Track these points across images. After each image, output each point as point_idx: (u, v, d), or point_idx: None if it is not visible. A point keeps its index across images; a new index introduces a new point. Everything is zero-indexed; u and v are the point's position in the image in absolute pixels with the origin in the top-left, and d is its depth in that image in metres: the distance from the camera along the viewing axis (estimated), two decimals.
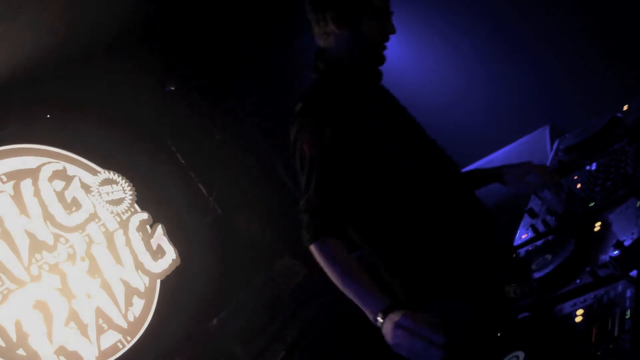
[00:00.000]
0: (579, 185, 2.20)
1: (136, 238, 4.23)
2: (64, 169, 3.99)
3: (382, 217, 1.94)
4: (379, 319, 1.67)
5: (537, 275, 1.70)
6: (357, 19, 1.91)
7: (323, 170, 1.84)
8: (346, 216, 1.88)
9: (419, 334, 1.54)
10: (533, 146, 4.06)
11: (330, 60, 1.98)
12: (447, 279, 1.93)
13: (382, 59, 2.01)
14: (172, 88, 5.24)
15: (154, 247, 4.32)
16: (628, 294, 1.32)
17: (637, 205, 1.68)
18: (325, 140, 1.84)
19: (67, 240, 3.81)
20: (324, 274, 1.95)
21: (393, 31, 1.96)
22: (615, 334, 1.23)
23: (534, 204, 2.34)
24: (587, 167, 2.29)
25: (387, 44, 2.00)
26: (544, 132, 4.05)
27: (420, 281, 1.96)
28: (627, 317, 1.24)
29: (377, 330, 1.68)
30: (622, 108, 2.60)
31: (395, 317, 1.61)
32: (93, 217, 4.03)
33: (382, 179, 1.90)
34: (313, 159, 1.85)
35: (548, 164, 2.76)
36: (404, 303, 1.82)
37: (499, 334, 1.58)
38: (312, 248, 1.84)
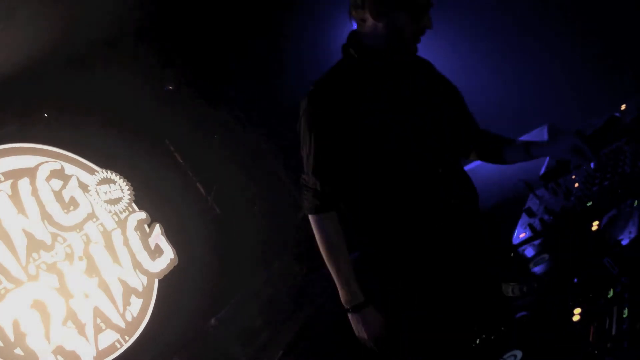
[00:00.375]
0: (576, 185, 2.21)
1: (134, 237, 4.23)
2: (62, 168, 3.98)
3: (378, 214, 2.00)
4: (348, 307, 2.01)
5: (535, 274, 1.70)
6: (394, 11, 1.90)
7: (320, 155, 1.96)
8: (342, 197, 2.02)
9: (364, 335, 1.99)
10: None
11: (362, 46, 1.99)
12: (439, 281, 1.98)
13: (413, 52, 2.01)
14: (171, 87, 5.24)
15: (152, 247, 4.32)
16: (626, 293, 1.32)
17: (635, 204, 1.68)
18: (326, 129, 1.93)
19: (64, 240, 3.80)
20: (323, 274, 2.04)
21: (429, 26, 1.96)
22: (613, 333, 1.23)
23: (532, 203, 2.34)
24: (585, 167, 2.30)
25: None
26: (542, 132, 4.05)
27: (406, 286, 2.02)
28: (624, 316, 1.24)
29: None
30: (620, 107, 2.61)
31: (356, 314, 1.99)
32: (91, 216, 4.03)
33: (378, 178, 1.95)
34: (312, 141, 1.95)
35: (545, 164, 2.77)
36: (367, 301, 2.01)
37: (493, 336, 1.58)
38: (310, 218, 2.05)
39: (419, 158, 1.97)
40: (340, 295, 2.03)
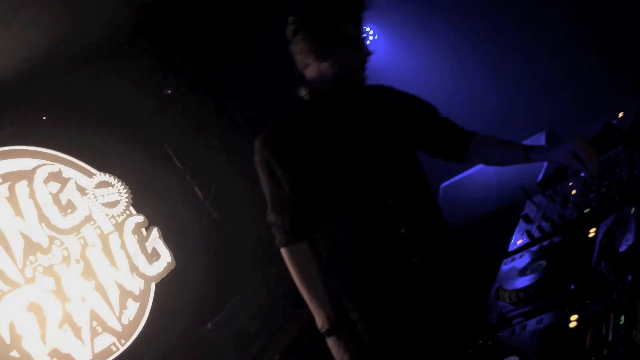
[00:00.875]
0: (574, 192, 2.22)
1: (131, 241, 4.22)
2: (60, 171, 3.98)
3: (334, 246, 2.13)
4: (323, 331, 2.07)
5: (531, 281, 1.70)
6: (331, 49, 1.99)
7: (275, 195, 2.11)
8: (306, 227, 2.13)
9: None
10: None
11: (310, 88, 2.08)
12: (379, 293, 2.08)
13: (362, 82, 2.08)
14: (169, 91, 5.24)
15: (149, 250, 4.31)
16: (622, 299, 1.32)
17: (632, 211, 1.69)
18: (277, 170, 2.06)
19: (62, 243, 3.80)
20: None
21: (368, 54, 2.04)
22: (610, 339, 1.23)
23: (530, 209, 2.35)
24: (582, 174, 2.30)
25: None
26: (540, 138, 4.07)
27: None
28: (621, 322, 1.25)
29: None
30: (618, 115, 2.62)
31: (331, 337, 2.05)
32: (88, 219, 4.02)
33: (330, 212, 2.07)
34: (267, 183, 2.11)
35: (543, 170, 2.78)
36: (342, 324, 2.09)
37: (491, 341, 1.58)
38: (282, 252, 2.16)
39: (365, 192, 2.04)
40: (316, 322, 2.10)
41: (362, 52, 2.03)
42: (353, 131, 2.08)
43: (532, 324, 1.52)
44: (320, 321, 2.09)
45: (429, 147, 2.24)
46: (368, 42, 2.08)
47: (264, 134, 2.10)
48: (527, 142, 4.32)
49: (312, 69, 2.05)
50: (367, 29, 5.41)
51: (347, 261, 2.10)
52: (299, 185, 2.05)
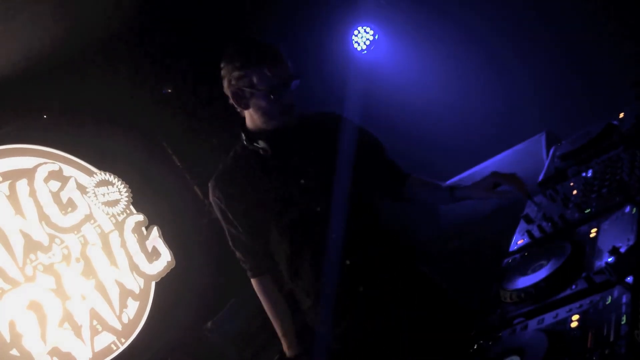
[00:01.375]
0: (574, 192, 2.22)
1: (131, 240, 4.22)
2: (60, 170, 3.98)
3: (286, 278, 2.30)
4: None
5: (532, 281, 1.71)
6: (251, 98, 2.07)
7: (230, 235, 2.29)
8: (264, 262, 2.31)
9: None
10: (529, 153, 4.07)
11: (248, 131, 2.20)
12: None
13: (291, 127, 2.14)
14: (169, 90, 5.24)
15: (149, 249, 4.31)
16: (624, 299, 1.33)
17: (633, 212, 1.69)
18: (226, 214, 2.22)
19: (62, 241, 3.80)
20: None
21: (288, 101, 2.09)
22: (611, 339, 1.24)
23: (530, 210, 2.35)
24: (583, 174, 2.31)
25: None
26: (540, 139, 4.07)
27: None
28: (622, 322, 1.25)
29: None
30: (618, 115, 2.62)
31: None
32: (88, 218, 4.02)
33: (275, 249, 2.22)
34: (222, 223, 2.29)
35: (544, 170, 2.78)
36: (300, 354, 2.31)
37: (492, 341, 1.58)
38: (251, 282, 2.38)
39: (310, 225, 2.12)
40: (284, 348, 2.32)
41: (280, 102, 2.07)
42: (291, 171, 2.16)
43: (533, 324, 1.53)
44: (285, 347, 2.32)
45: (368, 185, 2.28)
46: (290, 88, 2.11)
47: (213, 179, 2.26)
48: (526, 143, 4.32)
49: (245, 114, 2.17)
50: (367, 30, 5.42)
51: (299, 294, 2.27)
52: (248, 226, 2.20)
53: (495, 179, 2.12)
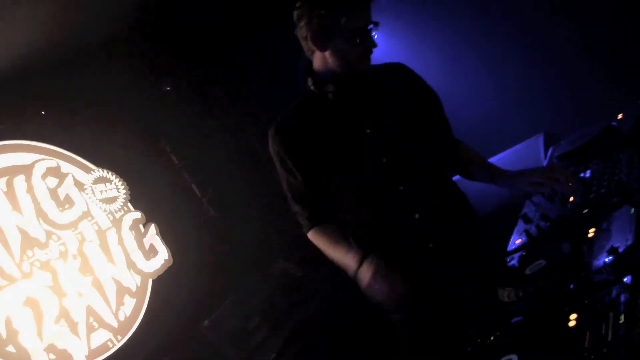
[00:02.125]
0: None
1: (129, 237, 4.21)
2: (58, 166, 3.97)
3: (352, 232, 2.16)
4: (355, 270, 2.03)
5: (531, 280, 1.71)
6: (335, 39, 1.99)
7: (292, 186, 2.16)
8: (325, 213, 2.17)
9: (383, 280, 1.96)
10: (527, 153, 4.09)
11: (316, 76, 2.10)
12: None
13: (365, 71, 2.08)
14: (168, 88, 5.24)
15: (147, 247, 4.30)
16: (622, 299, 1.33)
17: (631, 212, 1.70)
18: (291, 161, 2.11)
19: (59, 238, 3.79)
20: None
21: (374, 46, 2.05)
22: (609, 338, 1.24)
23: (528, 209, 2.35)
24: (582, 174, 2.31)
25: (374, 55, 2.09)
26: (538, 140, 4.08)
27: None
28: (620, 322, 1.25)
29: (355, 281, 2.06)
30: (617, 117, 2.63)
31: (364, 268, 2.00)
32: (86, 215, 4.01)
33: (345, 201, 2.10)
34: (283, 174, 2.17)
35: None
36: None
37: (490, 339, 1.58)
38: (309, 237, 2.22)
39: (377, 179, 2.06)
40: (348, 271, 2.08)
41: (364, 45, 2.02)
42: (359, 119, 2.08)
43: (531, 322, 1.53)
44: (351, 264, 2.06)
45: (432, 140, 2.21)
46: (374, 35, 2.07)
47: (274, 126, 2.15)
48: (525, 143, 4.33)
49: (316, 57, 2.07)
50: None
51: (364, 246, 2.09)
52: (310, 174, 2.09)
53: (540, 179, 2.06)
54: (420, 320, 2.06)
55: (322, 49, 2.02)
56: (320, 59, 2.06)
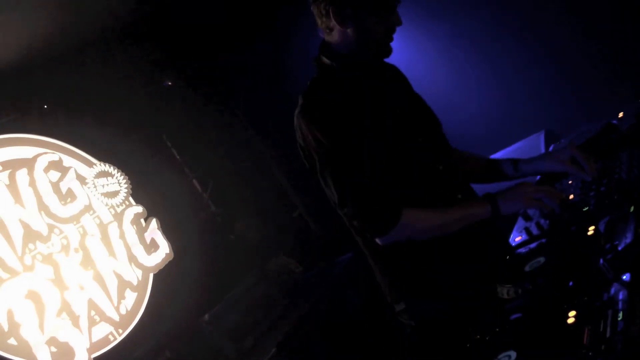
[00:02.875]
0: (573, 190, 2.22)
1: (130, 231, 4.23)
2: (60, 160, 3.98)
3: None
4: (495, 204, 1.87)
5: (530, 277, 1.72)
6: (358, 14, 1.87)
7: (348, 170, 1.83)
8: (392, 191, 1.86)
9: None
10: (528, 151, 4.08)
11: (335, 55, 1.95)
12: (432, 278, 1.96)
13: (388, 52, 1.97)
14: (170, 83, 5.24)
15: (148, 241, 4.32)
16: (620, 296, 1.34)
17: (631, 210, 1.70)
18: (336, 135, 1.82)
19: (61, 231, 3.81)
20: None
21: (399, 23, 1.92)
22: (608, 335, 1.25)
23: None
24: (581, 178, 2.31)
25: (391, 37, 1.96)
26: (539, 137, 4.08)
27: (406, 280, 1.99)
28: (619, 319, 1.26)
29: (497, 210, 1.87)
30: (618, 115, 2.63)
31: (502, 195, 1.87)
32: (88, 208, 4.03)
33: (387, 178, 1.87)
34: (331, 158, 1.83)
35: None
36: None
37: (488, 336, 1.59)
38: (394, 236, 1.85)
39: (418, 156, 1.95)
40: (484, 215, 1.90)
41: (390, 21, 1.91)
42: (390, 97, 1.98)
43: (530, 319, 1.54)
44: (482, 208, 1.89)
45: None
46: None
47: (311, 102, 1.89)
48: (526, 141, 4.34)
49: (335, 33, 1.92)
50: None
51: None
52: (367, 147, 1.83)
53: (574, 152, 2.01)
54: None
55: (345, 25, 1.88)
56: (341, 36, 1.91)
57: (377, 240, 1.87)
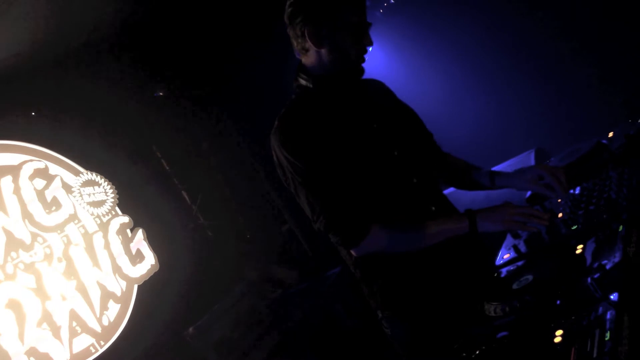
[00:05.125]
0: (562, 208, 2.21)
1: (115, 241, 4.18)
2: (46, 168, 3.94)
3: None
4: (472, 222, 1.88)
5: (517, 295, 1.69)
6: (333, 34, 1.93)
7: (319, 187, 1.90)
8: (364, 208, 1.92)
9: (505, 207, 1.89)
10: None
11: (310, 75, 2.02)
12: (408, 294, 1.98)
13: (361, 72, 2.04)
14: (161, 93, 5.22)
15: (133, 252, 4.27)
16: (608, 316, 1.32)
17: (620, 229, 1.69)
18: (307, 157, 1.90)
19: (44, 240, 3.75)
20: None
21: (370, 43, 1.99)
22: (595, 355, 1.23)
23: None
24: (571, 191, 2.31)
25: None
26: (530, 156, 4.09)
27: (382, 293, 2.01)
28: (606, 338, 1.24)
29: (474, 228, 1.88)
30: (608, 134, 2.63)
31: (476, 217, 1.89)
32: (73, 217, 3.98)
33: (360, 193, 1.94)
34: (303, 177, 1.91)
35: None
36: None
37: (477, 352, 1.57)
38: (366, 247, 1.92)
39: (391, 170, 1.99)
40: (461, 230, 1.91)
41: (362, 41, 1.97)
42: (366, 113, 2.03)
43: (516, 337, 1.52)
44: (459, 223, 1.91)
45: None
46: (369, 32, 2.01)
47: (282, 131, 1.94)
48: (517, 159, 4.34)
49: (311, 54, 1.99)
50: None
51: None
52: (337, 169, 1.90)
53: (542, 171, 2.05)
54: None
55: (320, 46, 1.95)
56: (316, 57, 1.99)
57: (352, 252, 1.95)
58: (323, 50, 1.96)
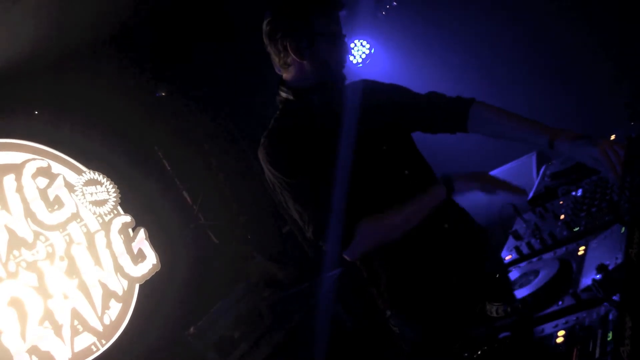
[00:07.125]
0: (564, 210, 2.22)
1: (117, 240, 4.19)
2: (49, 167, 3.95)
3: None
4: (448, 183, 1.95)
5: (519, 296, 1.70)
6: (312, 45, 1.99)
7: (305, 199, 1.95)
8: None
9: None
10: (520, 172, 4.10)
11: (292, 88, 2.06)
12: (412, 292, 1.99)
13: (342, 79, 2.09)
14: (163, 94, 5.23)
15: (135, 251, 4.28)
16: (610, 316, 1.33)
17: (622, 231, 1.70)
18: (291, 172, 1.95)
19: (47, 239, 3.76)
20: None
21: (348, 51, 2.10)
22: (597, 355, 1.23)
23: (519, 226, 2.36)
24: (573, 193, 2.32)
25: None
26: (531, 158, 4.09)
27: (389, 291, 2.03)
28: (608, 339, 1.25)
29: None
30: (610, 137, 2.64)
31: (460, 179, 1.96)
32: (75, 216, 3.99)
33: (355, 191, 1.96)
34: (289, 191, 1.97)
35: (534, 189, 2.79)
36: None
37: (478, 353, 1.57)
38: (355, 249, 1.93)
39: (381, 164, 2.03)
40: (440, 195, 1.95)
41: (341, 51, 2.05)
42: (350, 116, 2.06)
43: (518, 338, 1.52)
44: (439, 190, 1.95)
45: (424, 124, 2.25)
46: (347, 41, 2.10)
47: (265, 151, 2.02)
48: (518, 162, 4.34)
49: (293, 68, 2.05)
50: (364, 43, 5.45)
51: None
52: (326, 178, 1.93)
53: (608, 148, 1.97)
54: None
55: (302, 58, 2.01)
56: (298, 70, 2.04)
57: (345, 256, 1.97)
58: (305, 62, 2.02)
